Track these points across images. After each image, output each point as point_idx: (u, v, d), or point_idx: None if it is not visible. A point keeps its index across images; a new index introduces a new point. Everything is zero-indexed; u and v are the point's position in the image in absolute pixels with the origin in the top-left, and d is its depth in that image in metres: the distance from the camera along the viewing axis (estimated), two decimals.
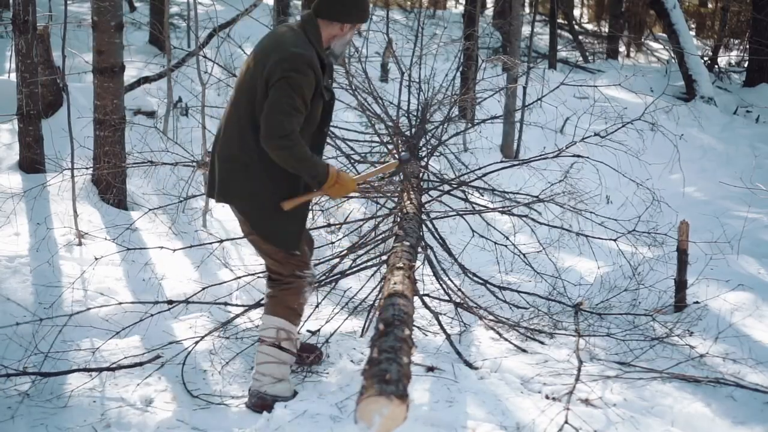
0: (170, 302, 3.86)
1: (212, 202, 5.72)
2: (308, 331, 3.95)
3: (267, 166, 3.09)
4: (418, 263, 3.91)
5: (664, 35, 13.72)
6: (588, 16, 20.78)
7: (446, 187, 5.05)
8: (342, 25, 3.14)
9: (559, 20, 14.04)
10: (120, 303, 3.81)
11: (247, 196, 3.18)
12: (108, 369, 3.41)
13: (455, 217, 4.97)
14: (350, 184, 3.20)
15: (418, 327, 4.02)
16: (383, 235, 4.51)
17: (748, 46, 12.86)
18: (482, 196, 5.44)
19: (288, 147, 3.01)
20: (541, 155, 4.98)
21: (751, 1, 13.06)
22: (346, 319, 4.09)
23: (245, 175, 3.14)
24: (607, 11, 16.37)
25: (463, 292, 4.28)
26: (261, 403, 3.19)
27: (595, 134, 4.82)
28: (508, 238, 4.96)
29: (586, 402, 3.20)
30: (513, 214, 4.90)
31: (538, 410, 3.09)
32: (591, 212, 4.83)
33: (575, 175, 5.04)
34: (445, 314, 4.21)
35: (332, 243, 5.15)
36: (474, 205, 5.04)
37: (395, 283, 3.05)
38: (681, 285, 4.38)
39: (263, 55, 3.10)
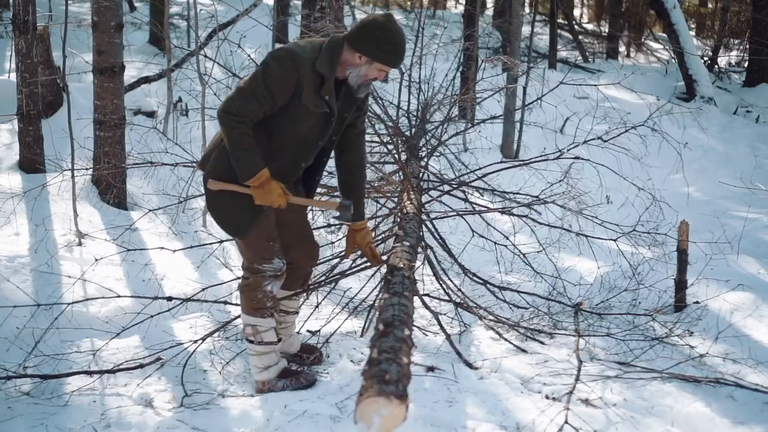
0: (170, 298, 3.86)
1: None
2: (308, 331, 3.96)
3: (224, 147, 3.10)
4: (418, 263, 3.91)
5: (664, 35, 13.74)
6: (588, 16, 20.79)
7: (446, 187, 5.05)
8: (360, 55, 3.04)
9: (559, 20, 14.06)
10: (119, 296, 3.81)
11: (208, 174, 3.19)
12: (108, 371, 3.41)
13: (455, 217, 4.97)
14: (275, 197, 3.07)
15: (418, 327, 4.02)
16: (383, 235, 4.51)
17: (748, 46, 12.86)
18: (482, 196, 5.44)
19: (228, 126, 2.99)
20: (541, 156, 4.98)
21: (751, 1, 13.06)
22: (346, 319, 4.09)
23: (215, 153, 3.17)
24: (607, 11, 16.38)
25: (463, 292, 4.28)
26: (258, 387, 3.36)
27: (598, 138, 4.82)
28: (508, 238, 4.96)
29: (586, 402, 3.21)
30: (513, 215, 4.90)
31: (538, 410, 3.09)
32: (591, 213, 4.83)
33: (575, 176, 5.04)
34: (445, 314, 4.21)
35: (332, 243, 5.15)
36: (474, 205, 5.04)
37: (395, 283, 3.05)
38: (681, 285, 4.38)
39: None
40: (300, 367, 3.56)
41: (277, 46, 3.18)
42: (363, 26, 3.03)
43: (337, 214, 3.28)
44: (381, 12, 3.08)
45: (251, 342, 3.32)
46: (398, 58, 3.06)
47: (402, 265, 3.21)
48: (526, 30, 12.73)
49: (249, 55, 5.49)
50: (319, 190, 4.17)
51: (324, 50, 3.04)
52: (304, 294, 3.71)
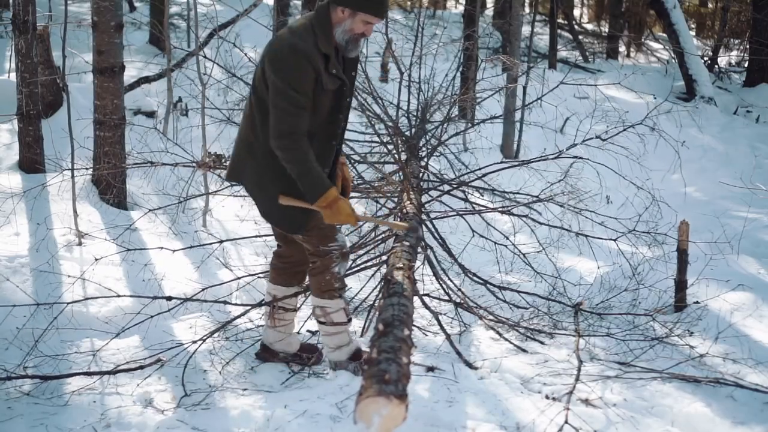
0: (170, 298, 3.86)
1: (212, 202, 5.74)
2: (308, 331, 3.95)
3: (271, 153, 3.10)
4: (418, 263, 3.91)
5: (664, 35, 13.74)
6: (588, 16, 20.79)
7: (446, 187, 5.05)
8: (342, 9, 3.01)
9: (559, 20, 14.06)
10: (118, 296, 3.81)
11: (254, 182, 3.22)
12: (108, 372, 3.41)
13: (455, 217, 4.98)
14: (345, 216, 3.07)
15: (418, 327, 4.02)
16: (383, 235, 4.51)
17: (748, 46, 12.86)
18: (482, 196, 5.44)
19: (286, 150, 2.99)
20: (541, 156, 4.98)
21: (751, 1, 13.06)
22: None
23: (253, 161, 3.17)
24: (607, 11, 16.37)
25: (463, 292, 4.28)
26: (333, 366, 3.46)
27: (596, 137, 4.82)
28: (508, 238, 4.96)
29: (586, 402, 3.21)
30: (513, 214, 4.90)
31: (538, 410, 3.09)
32: (591, 212, 4.83)
33: (575, 175, 5.05)
34: (445, 314, 4.21)
35: None
36: (474, 205, 5.04)
37: (395, 283, 3.05)
38: (681, 285, 4.38)
39: (267, 46, 3.12)
40: (310, 359, 3.56)
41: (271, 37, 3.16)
42: None
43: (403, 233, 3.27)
44: None
45: (322, 323, 3.38)
46: (380, 6, 3.02)
47: (402, 265, 3.22)
48: (526, 30, 12.73)
49: (246, 54, 5.48)
50: None
51: (317, 28, 3.03)
52: (303, 293, 3.72)
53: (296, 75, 2.96)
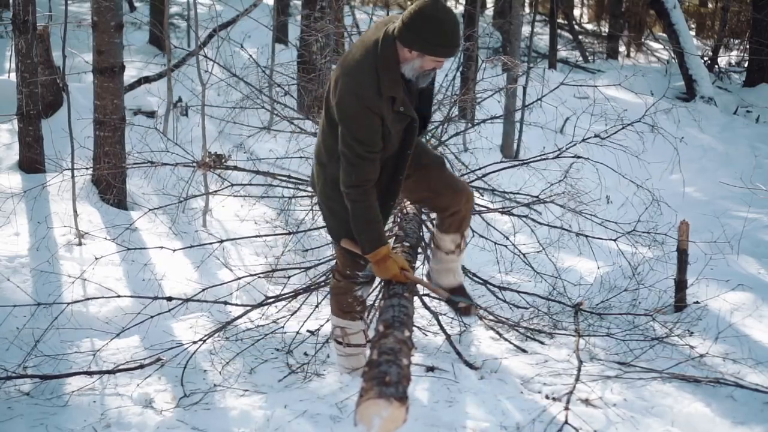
0: (170, 298, 3.86)
1: (212, 202, 5.74)
2: (308, 331, 3.95)
3: (337, 182, 3.03)
4: (418, 263, 3.91)
5: (664, 35, 13.72)
6: (588, 16, 20.77)
7: None
8: (409, 49, 2.82)
9: (559, 20, 14.04)
10: (119, 296, 3.81)
11: (322, 201, 3.20)
12: (108, 372, 3.41)
13: None
14: (391, 274, 3.01)
15: (418, 327, 4.02)
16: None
17: (748, 46, 12.86)
18: (482, 196, 5.43)
19: (354, 200, 2.95)
20: (541, 156, 4.98)
21: (751, 1, 13.06)
22: None
23: (323, 180, 3.13)
24: (607, 11, 16.36)
25: None
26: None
27: (596, 135, 4.82)
28: (508, 238, 4.96)
29: (586, 402, 3.21)
30: (513, 215, 4.90)
31: (538, 410, 3.09)
32: (591, 213, 4.83)
33: (575, 176, 5.04)
34: (445, 314, 4.21)
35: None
36: (474, 206, 5.03)
37: (395, 284, 3.05)
38: (681, 285, 4.38)
39: (335, 76, 2.95)
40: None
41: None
42: (409, 20, 2.79)
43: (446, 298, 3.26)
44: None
45: (339, 343, 3.37)
46: (450, 48, 2.82)
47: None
48: (526, 30, 12.72)
49: (250, 55, 5.48)
50: None
51: (381, 70, 2.85)
52: (461, 235, 3.45)
53: (361, 128, 2.86)
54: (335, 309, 3.34)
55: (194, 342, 3.67)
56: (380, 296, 3.84)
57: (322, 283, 4.22)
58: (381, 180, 3.05)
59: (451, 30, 2.79)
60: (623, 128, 4.80)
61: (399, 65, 2.87)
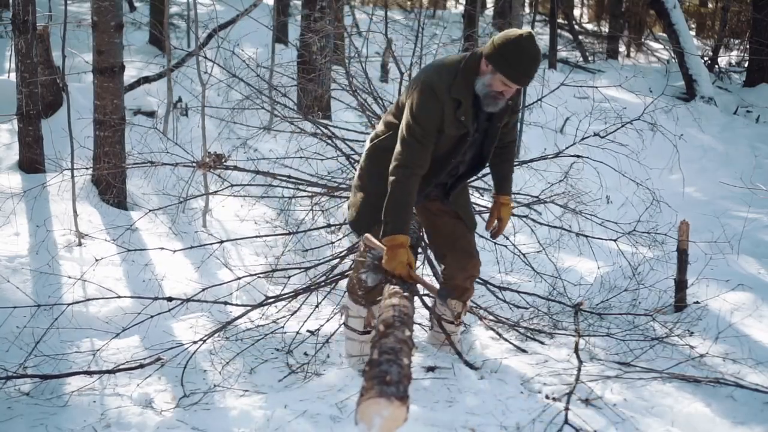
0: (170, 299, 3.86)
1: (212, 202, 5.74)
2: (308, 331, 3.95)
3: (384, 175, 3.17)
4: (418, 263, 3.91)
5: (664, 35, 13.72)
6: (588, 16, 20.78)
7: None
8: (487, 63, 3.03)
9: (559, 20, 14.04)
10: (119, 296, 3.81)
11: (361, 177, 3.39)
12: (108, 372, 3.41)
13: None
14: (397, 264, 3.05)
15: (419, 324, 4.01)
16: None
17: (748, 46, 12.85)
18: (482, 196, 5.44)
19: (398, 180, 3.06)
20: (541, 156, 4.98)
21: (751, 1, 13.06)
22: None
23: (368, 162, 3.35)
24: (607, 11, 16.36)
25: None
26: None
27: (595, 134, 4.82)
28: (508, 238, 4.96)
29: (586, 402, 3.21)
30: (513, 215, 4.90)
31: (538, 410, 3.09)
32: (591, 213, 4.83)
33: (575, 176, 5.04)
34: (445, 314, 4.20)
35: (332, 243, 5.15)
36: (474, 205, 5.03)
37: (395, 284, 3.05)
38: (681, 285, 4.38)
39: (417, 75, 3.24)
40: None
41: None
42: (500, 40, 3.01)
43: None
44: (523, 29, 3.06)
45: (344, 325, 3.53)
46: (520, 74, 2.99)
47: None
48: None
49: (249, 57, 5.48)
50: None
51: (461, 72, 3.08)
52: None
53: (423, 110, 3.05)
54: (347, 285, 3.47)
55: (194, 342, 3.68)
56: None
57: (322, 283, 4.22)
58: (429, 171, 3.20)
59: (529, 60, 2.97)
60: (622, 126, 4.81)
61: (476, 77, 3.08)
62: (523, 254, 4.84)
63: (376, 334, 2.47)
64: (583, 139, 4.78)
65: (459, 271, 3.48)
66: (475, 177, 3.69)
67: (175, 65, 8.00)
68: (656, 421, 3.10)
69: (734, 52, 14.65)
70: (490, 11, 17.03)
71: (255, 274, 4.36)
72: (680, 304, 4.35)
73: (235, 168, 4.60)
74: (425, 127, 3.05)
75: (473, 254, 3.51)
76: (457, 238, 3.49)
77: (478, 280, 4.45)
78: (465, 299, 3.59)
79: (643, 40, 15.95)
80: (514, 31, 3.03)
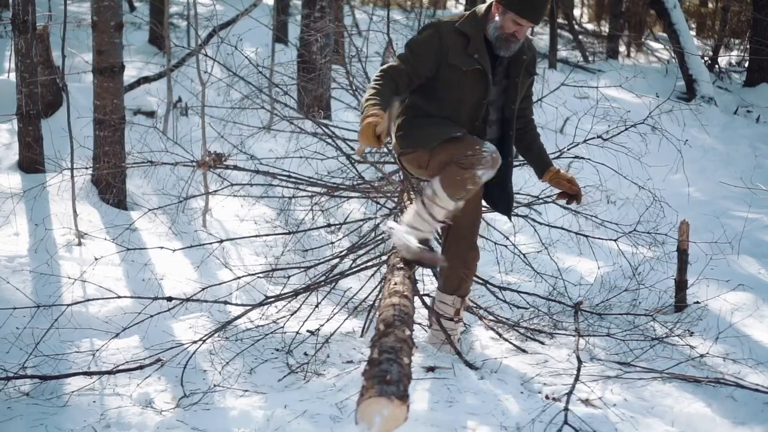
0: (170, 298, 3.86)
1: (212, 202, 5.74)
2: (308, 331, 3.95)
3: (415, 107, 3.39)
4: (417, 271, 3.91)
5: (664, 35, 13.72)
6: (588, 15, 20.78)
7: None
8: (497, 4, 3.18)
9: (559, 20, 14.05)
10: (119, 296, 3.81)
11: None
12: (108, 372, 3.41)
13: None
14: (362, 135, 3.00)
15: (419, 324, 4.01)
16: (383, 235, 4.51)
17: (748, 46, 12.84)
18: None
19: (374, 78, 3.22)
20: None
21: (751, 1, 13.05)
22: (346, 319, 4.08)
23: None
24: (607, 11, 16.37)
25: None
26: (395, 241, 3.36)
27: (598, 136, 4.82)
28: (508, 238, 4.96)
29: (586, 402, 3.20)
30: (513, 214, 4.90)
31: (538, 410, 3.09)
32: (591, 213, 4.83)
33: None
34: (444, 314, 4.20)
35: (332, 243, 5.15)
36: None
37: (395, 283, 3.04)
38: (681, 285, 4.38)
39: None
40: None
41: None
42: None
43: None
44: None
45: (423, 205, 3.27)
46: (529, 8, 3.09)
47: (402, 265, 3.21)
48: None
49: (247, 58, 5.48)
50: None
51: (472, 15, 3.27)
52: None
53: (417, 39, 3.29)
54: (444, 178, 3.20)
55: (194, 342, 3.67)
56: (380, 296, 3.84)
57: (322, 283, 4.21)
58: (457, 121, 3.30)
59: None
60: (626, 130, 4.80)
61: (488, 20, 3.23)
62: (524, 254, 4.84)
63: (376, 333, 2.47)
64: (585, 140, 4.78)
65: (459, 261, 3.60)
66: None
67: (175, 65, 7.99)
68: (656, 422, 3.10)
69: (734, 52, 14.64)
70: None
71: (255, 274, 4.36)
72: (680, 304, 4.35)
73: (235, 167, 4.60)
74: (414, 49, 3.24)
75: (473, 245, 3.66)
76: (464, 228, 3.59)
77: (478, 280, 4.46)
78: (462, 294, 3.62)
79: (643, 40, 15.95)
80: None
